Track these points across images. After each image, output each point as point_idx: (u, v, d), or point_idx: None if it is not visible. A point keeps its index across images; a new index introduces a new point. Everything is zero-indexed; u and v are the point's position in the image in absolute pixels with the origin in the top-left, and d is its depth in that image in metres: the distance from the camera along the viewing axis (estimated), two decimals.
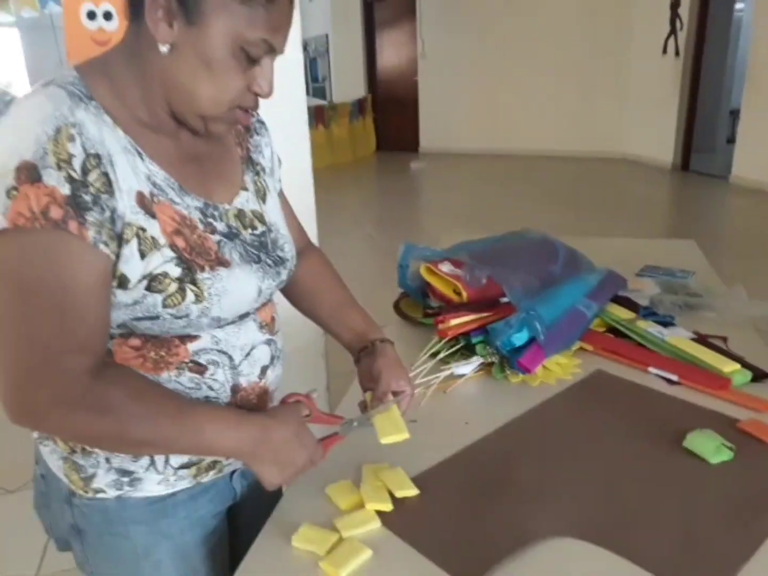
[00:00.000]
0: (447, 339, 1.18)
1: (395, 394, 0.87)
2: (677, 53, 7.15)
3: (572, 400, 1.06)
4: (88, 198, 0.64)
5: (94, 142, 0.66)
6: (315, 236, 1.97)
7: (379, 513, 0.80)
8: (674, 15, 7.06)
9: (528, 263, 1.36)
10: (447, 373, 1.13)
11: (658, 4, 7.24)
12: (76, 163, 0.63)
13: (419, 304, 1.38)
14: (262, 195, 0.86)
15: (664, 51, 7.27)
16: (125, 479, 0.79)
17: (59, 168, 0.62)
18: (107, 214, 0.66)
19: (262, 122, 0.93)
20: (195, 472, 0.82)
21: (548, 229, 1.62)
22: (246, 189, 0.84)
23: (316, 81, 11.11)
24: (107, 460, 0.78)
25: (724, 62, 7.83)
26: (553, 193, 6.49)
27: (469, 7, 8.45)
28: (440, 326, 1.18)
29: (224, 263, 0.75)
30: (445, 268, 1.28)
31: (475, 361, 1.15)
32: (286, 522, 0.79)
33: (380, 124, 9.65)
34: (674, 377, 1.09)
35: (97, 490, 0.79)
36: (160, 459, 0.79)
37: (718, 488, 0.83)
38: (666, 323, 1.26)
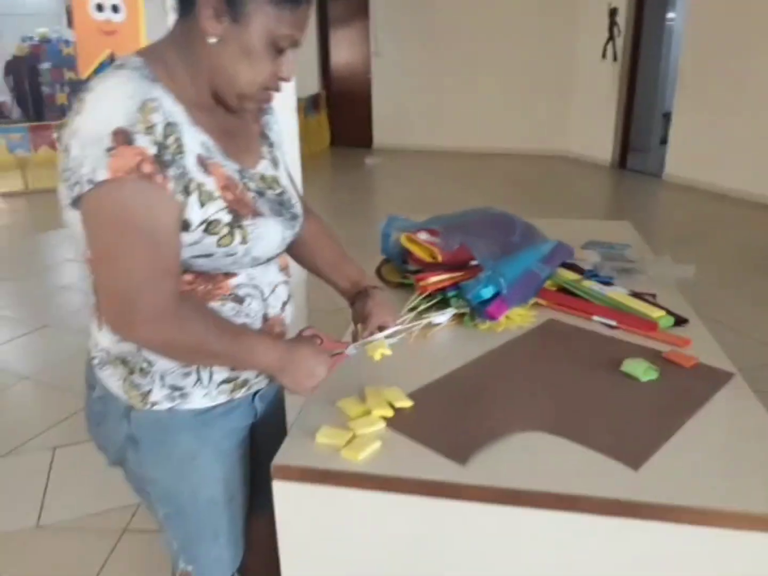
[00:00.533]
0: (425, 294, 1.39)
1: (381, 329, 1.09)
2: (615, 58, 7.59)
3: (531, 340, 1.28)
4: (168, 157, 0.81)
5: (169, 113, 0.83)
6: None
7: (383, 418, 0.99)
8: (612, 22, 7.49)
9: (491, 233, 1.57)
10: (426, 321, 1.33)
11: (598, 11, 7.66)
12: (158, 130, 0.81)
13: (398, 270, 1.58)
14: (275, 163, 1.04)
15: (604, 56, 7.69)
16: (176, 393, 0.96)
17: (147, 133, 0.79)
18: (180, 170, 0.83)
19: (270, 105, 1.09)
20: (231, 388, 1.00)
21: None
22: (264, 158, 1.02)
23: None
24: (161, 377, 0.95)
25: (658, 67, 8.35)
26: (501, 188, 6.81)
27: (422, 6, 8.70)
28: (421, 283, 1.39)
29: (260, 213, 0.94)
30: (423, 236, 1.49)
31: (449, 312, 1.36)
32: (307, 425, 0.98)
33: (334, 119, 9.79)
34: (613, 322, 1.32)
35: (153, 403, 0.96)
36: (205, 376, 0.97)
37: (647, 397, 1.06)
38: (606, 283, 1.50)
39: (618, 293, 1.42)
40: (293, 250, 1.15)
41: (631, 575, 0.85)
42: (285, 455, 0.92)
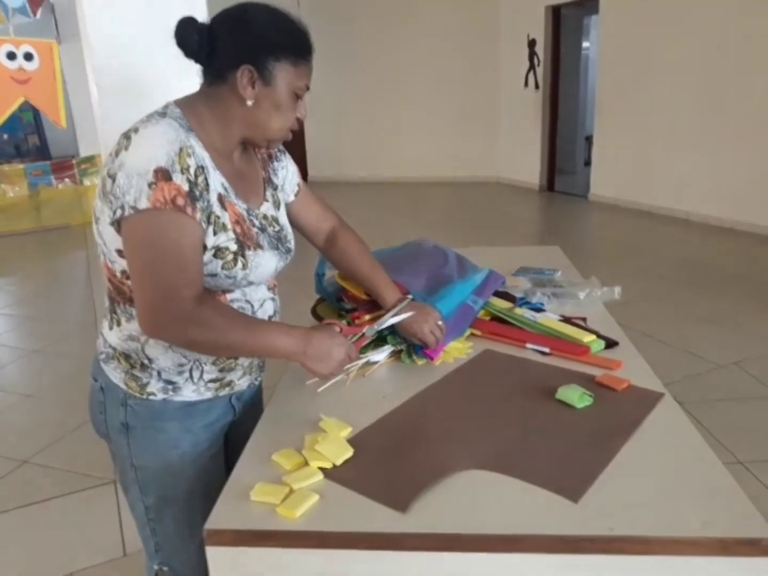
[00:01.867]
0: (362, 333, 1.37)
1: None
2: (537, 86, 7.92)
3: (467, 372, 1.28)
4: (197, 193, 0.98)
5: (200, 158, 1.00)
6: None
7: (321, 469, 0.96)
8: (532, 52, 7.85)
9: (425, 267, 1.58)
10: (364, 360, 1.31)
11: (518, 41, 8.00)
12: (192, 171, 0.97)
13: (334, 308, 1.56)
14: (277, 205, 1.21)
15: (526, 84, 8.02)
16: (170, 387, 1.10)
17: (182, 173, 0.95)
18: (205, 204, 1.00)
19: (282, 151, 1.28)
20: (218, 386, 1.15)
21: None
22: (267, 201, 1.18)
23: None
24: (159, 373, 1.09)
25: (577, 93, 8.77)
26: (437, 216, 6.93)
27: (345, 41, 8.87)
28: (357, 321, 1.37)
29: (261, 246, 1.10)
30: None
31: (387, 350, 1.34)
32: (242, 483, 0.93)
33: None
34: (546, 349, 1.34)
35: (150, 393, 1.10)
36: (196, 374, 1.12)
37: (582, 424, 1.07)
38: (538, 309, 1.52)
39: (549, 319, 1.45)
40: (335, 258, 1.38)
41: None
42: (217, 518, 0.87)
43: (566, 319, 1.47)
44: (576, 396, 1.12)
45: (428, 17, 8.59)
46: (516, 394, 1.18)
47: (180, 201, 0.94)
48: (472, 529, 0.83)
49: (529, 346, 1.37)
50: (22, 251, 6.14)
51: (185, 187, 0.95)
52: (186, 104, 1.04)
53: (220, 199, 1.03)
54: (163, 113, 1.00)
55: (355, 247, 1.36)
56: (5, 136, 9.18)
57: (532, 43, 7.84)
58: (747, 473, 2.28)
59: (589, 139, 8.29)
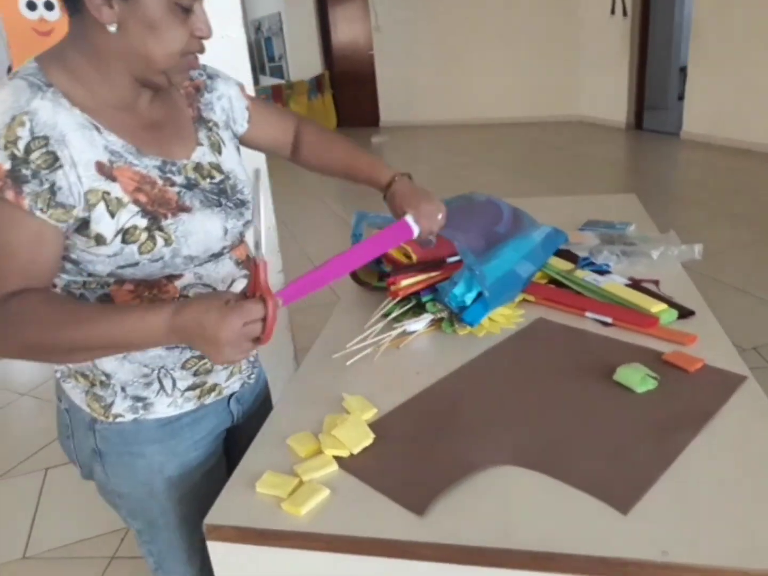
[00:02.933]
0: (398, 299, 1.25)
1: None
2: (625, 13, 7.25)
3: (514, 346, 1.14)
4: (27, 172, 0.75)
5: (45, 126, 0.76)
6: (272, 217, 2.01)
7: (337, 458, 0.87)
8: None
9: (475, 224, 1.42)
10: (400, 330, 1.20)
11: None
12: (21, 144, 0.75)
13: (374, 271, 1.44)
14: (217, 148, 0.98)
15: (612, 11, 7.35)
16: (139, 404, 0.94)
17: (5, 148, 0.74)
18: (46, 186, 0.76)
19: (212, 76, 1.02)
20: (199, 394, 0.98)
21: (510, 194, 1.69)
22: (201, 144, 0.95)
23: (272, 60, 10.97)
24: (123, 389, 0.93)
25: (671, 20, 7.97)
26: (513, 159, 6.59)
27: None
28: (392, 287, 1.25)
29: (185, 209, 0.87)
30: None
31: (426, 318, 1.22)
32: (251, 471, 0.85)
33: (339, 100, 9.60)
34: (608, 319, 1.17)
35: (116, 415, 0.94)
36: (168, 384, 0.94)
37: (642, 414, 0.92)
38: (602, 271, 1.34)
39: (614, 284, 1.27)
40: (301, 158, 1.16)
41: None
42: (219, 512, 0.80)
43: (635, 283, 1.29)
44: (637, 378, 0.96)
45: None
46: (568, 373, 1.04)
47: None
48: (498, 541, 0.71)
49: (588, 314, 1.20)
50: None
51: (5, 166, 0.74)
52: (52, 54, 0.82)
53: (101, 168, 0.81)
54: (14, 73, 0.80)
55: (321, 137, 1.15)
56: None
57: None
58: None
59: (683, 71, 7.55)
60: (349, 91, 9.53)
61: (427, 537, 0.73)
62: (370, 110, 9.51)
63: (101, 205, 0.80)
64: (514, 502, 0.77)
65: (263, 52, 11.12)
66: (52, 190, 0.77)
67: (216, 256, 0.93)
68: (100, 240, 0.81)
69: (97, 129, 0.82)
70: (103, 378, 0.92)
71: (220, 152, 0.98)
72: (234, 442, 1.09)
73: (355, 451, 0.87)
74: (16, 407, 2.79)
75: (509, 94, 8.60)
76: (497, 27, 8.33)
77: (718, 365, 1.01)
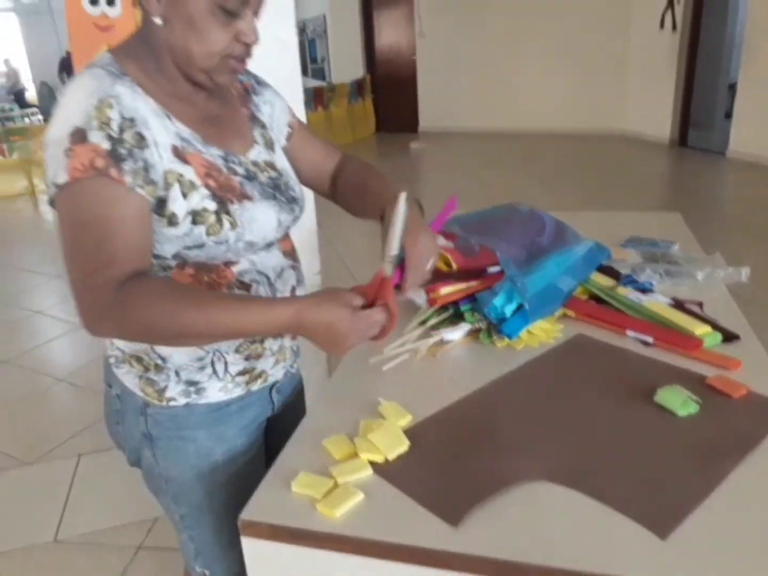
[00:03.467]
0: (437, 307, 1.25)
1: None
2: (674, 27, 7.13)
3: (553, 361, 1.13)
4: (123, 151, 0.80)
5: (129, 108, 0.82)
6: (314, 219, 2.03)
7: (371, 462, 0.87)
8: None
9: (516, 235, 1.42)
10: (437, 338, 1.20)
11: None
12: (114, 125, 0.80)
13: None
14: (270, 146, 1.03)
15: (662, 25, 7.25)
16: (192, 388, 0.97)
17: (101, 129, 0.79)
18: (140, 164, 0.82)
19: (260, 83, 1.09)
20: (247, 380, 1.01)
21: (548, 207, 1.68)
22: (257, 142, 1.00)
23: (314, 62, 11.07)
24: (176, 373, 0.96)
25: (722, 35, 7.81)
26: (552, 172, 6.52)
27: None
28: (431, 294, 1.25)
29: (248, 197, 0.92)
30: (438, 242, 1.34)
31: (464, 328, 1.22)
32: (286, 469, 0.87)
33: (379, 104, 9.64)
34: (649, 339, 1.15)
35: (169, 399, 0.97)
36: (220, 368, 0.97)
37: (683, 437, 0.90)
38: (645, 290, 1.32)
39: (657, 303, 1.25)
40: (342, 202, 1.14)
41: None
42: (254, 508, 0.81)
43: (678, 304, 1.26)
44: (678, 401, 0.95)
45: None
46: (607, 391, 1.03)
47: (100, 163, 0.78)
48: (533, 557, 0.71)
49: (629, 333, 1.19)
50: None
51: (104, 146, 0.79)
52: (123, 46, 0.89)
53: (177, 152, 0.86)
54: (91, 63, 0.86)
55: (361, 172, 1.11)
56: None
57: None
58: None
59: (732, 88, 7.39)
60: (390, 95, 9.57)
61: (460, 548, 0.72)
62: (410, 116, 9.52)
63: (176, 186, 0.85)
64: (549, 519, 0.76)
65: (306, 54, 11.24)
66: (145, 167, 0.82)
67: (269, 245, 0.98)
68: (172, 220, 0.86)
69: (168, 117, 0.87)
70: (159, 362, 0.95)
71: (273, 150, 1.03)
72: (271, 433, 1.11)
73: (390, 456, 0.88)
74: (53, 392, 2.86)
75: (551, 105, 8.53)
76: (542, 38, 8.27)
77: (763, 392, 0.98)
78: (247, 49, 0.88)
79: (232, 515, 1.00)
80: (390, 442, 0.90)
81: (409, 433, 0.92)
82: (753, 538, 0.72)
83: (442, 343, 1.20)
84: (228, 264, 0.93)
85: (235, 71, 0.90)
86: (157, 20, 0.83)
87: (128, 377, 0.98)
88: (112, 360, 1.01)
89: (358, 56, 9.72)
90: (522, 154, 7.60)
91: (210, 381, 0.97)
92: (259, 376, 1.02)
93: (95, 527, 1.96)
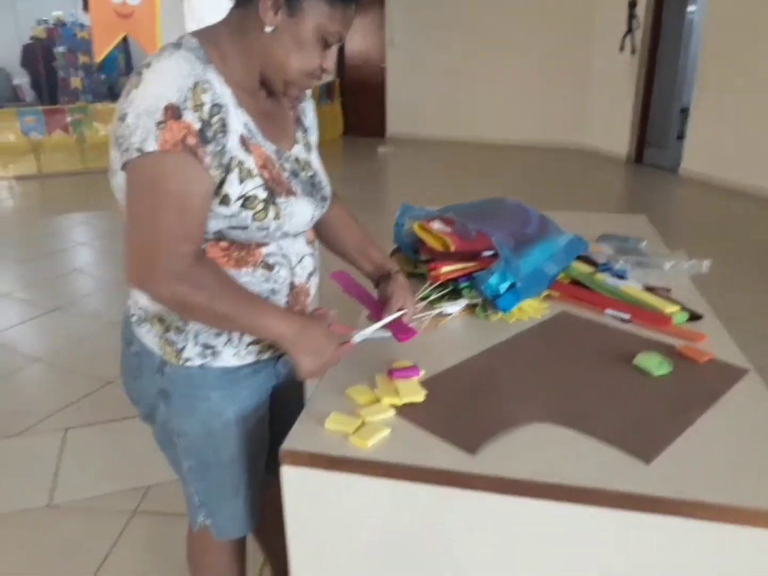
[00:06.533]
0: (437, 284, 1.38)
1: (400, 311, 1.14)
2: (633, 51, 7.50)
3: (542, 332, 1.27)
4: (210, 134, 0.88)
5: (218, 95, 0.90)
6: None
7: (392, 406, 0.99)
8: (631, 14, 7.41)
9: (506, 224, 1.56)
10: (437, 311, 1.32)
11: (617, 3, 7.57)
12: (206, 109, 0.88)
13: (409, 260, 1.57)
14: (308, 148, 1.13)
15: (621, 48, 7.60)
16: (208, 351, 1.03)
17: (195, 110, 0.87)
18: (219, 148, 0.90)
19: (308, 97, 1.19)
20: (259, 349, 1.08)
21: None
22: (298, 142, 1.10)
23: None
24: (195, 336, 1.02)
25: (677, 62, 8.24)
26: (515, 181, 6.77)
27: None
28: (433, 272, 1.38)
29: (293, 193, 1.02)
30: (437, 225, 1.48)
31: (461, 303, 1.35)
32: (317, 411, 0.98)
33: (348, 108, 9.76)
34: (626, 316, 1.31)
35: (187, 359, 1.03)
36: (235, 336, 1.04)
37: (659, 392, 1.05)
38: (620, 276, 1.48)
39: (631, 287, 1.41)
40: (320, 233, 1.24)
41: (639, 569, 0.84)
42: (294, 440, 0.92)
43: (649, 289, 1.43)
44: (654, 363, 1.10)
45: None
46: (591, 356, 1.17)
47: (191, 140, 0.86)
48: (540, 476, 0.84)
49: (608, 311, 1.34)
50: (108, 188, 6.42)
51: (196, 126, 0.86)
52: (206, 34, 0.95)
53: (243, 140, 0.94)
54: (178, 44, 0.91)
55: (345, 220, 1.27)
56: (102, 76, 9.51)
57: (632, 4, 7.39)
58: None
59: (684, 111, 7.81)
60: (359, 100, 9.71)
61: (478, 470, 0.85)
62: (378, 121, 9.68)
63: (236, 171, 0.93)
64: (553, 448, 0.90)
65: None
66: (222, 151, 0.90)
67: (297, 234, 1.08)
68: (225, 200, 0.93)
69: (240, 107, 0.95)
70: (180, 323, 1.02)
71: (310, 151, 1.13)
72: (273, 403, 1.18)
73: (410, 400, 1.00)
74: (30, 372, 2.87)
75: (515, 117, 8.82)
76: (508, 53, 8.57)
77: (723, 359, 1.14)
78: (323, 74, 1.00)
79: (238, 469, 1.11)
80: (409, 389, 1.02)
81: (424, 384, 1.05)
82: (719, 463, 0.87)
83: (441, 315, 1.33)
84: (259, 245, 1.01)
85: (307, 88, 1.03)
86: (268, 29, 0.92)
87: (149, 336, 1.04)
88: (134, 318, 1.07)
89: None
90: (485, 163, 7.85)
91: (225, 347, 1.03)
92: (270, 347, 1.09)
93: (89, 493, 2.00)
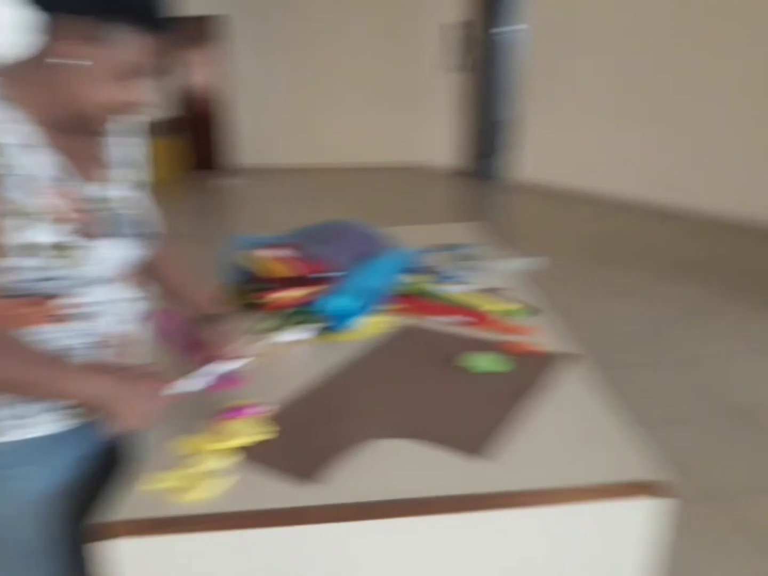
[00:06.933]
0: (277, 311, 1.34)
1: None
2: (460, 68, 7.99)
3: (383, 348, 1.27)
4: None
5: (4, 135, 0.80)
6: None
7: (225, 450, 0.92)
8: (457, 33, 7.88)
9: (342, 245, 1.56)
10: (281, 340, 1.27)
11: (442, 22, 8.05)
12: None
13: (243, 290, 1.51)
14: (127, 185, 1.03)
15: (448, 65, 8.08)
16: (20, 422, 0.91)
17: None
18: (7, 192, 0.81)
19: (126, 126, 1.07)
20: (81, 411, 0.96)
21: None
22: (115, 180, 1.00)
23: None
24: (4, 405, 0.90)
25: (503, 76, 8.86)
26: (359, 203, 6.95)
27: (274, 27, 8.71)
28: (271, 298, 1.34)
29: (97, 235, 0.92)
30: (271, 252, 1.44)
31: (305, 328, 1.31)
32: (140, 473, 0.89)
33: (195, 142, 9.46)
34: (458, 319, 1.35)
35: None
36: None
37: (489, 388, 1.09)
38: (456, 282, 1.52)
39: (467, 293, 1.45)
40: (150, 274, 1.15)
41: (495, 564, 0.85)
42: (110, 510, 0.82)
43: (484, 291, 1.48)
44: (483, 362, 1.15)
45: None
46: (427, 364, 1.19)
47: None
48: (382, 495, 0.82)
49: (443, 319, 1.37)
50: None
51: None
52: (14, 68, 0.86)
53: (51, 183, 0.87)
54: None
55: (170, 260, 1.19)
56: None
57: (458, 24, 7.85)
58: (657, 432, 2.44)
59: (511, 123, 8.43)
60: (205, 133, 9.44)
61: (318, 501, 0.81)
62: (226, 153, 9.49)
63: (45, 218, 0.84)
64: (393, 463, 0.90)
65: None
66: (9, 200, 0.81)
67: (107, 280, 0.98)
68: (32, 250, 0.84)
69: (47, 146, 0.87)
70: None
71: (129, 190, 1.03)
72: (113, 458, 1.09)
73: (246, 441, 0.94)
74: None
75: (356, 141, 9.09)
76: (345, 78, 8.80)
77: (560, 350, 1.21)
78: (138, 108, 0.91)
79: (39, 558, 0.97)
80: (244, 429, 0.96)
81: (274, 419, 1.00)
82: (546, 448, 0.91)
83: (287, 343, 1.28)
84: (71, 295, 0.91)
85: (118, 122, 0.97)
86: (61, 60, 0.82)
87: None
88: None
89: (170, 95, 9.50)
90: (332, 187, 7.96)
91: (40, 415, 0.93)
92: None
93: None
